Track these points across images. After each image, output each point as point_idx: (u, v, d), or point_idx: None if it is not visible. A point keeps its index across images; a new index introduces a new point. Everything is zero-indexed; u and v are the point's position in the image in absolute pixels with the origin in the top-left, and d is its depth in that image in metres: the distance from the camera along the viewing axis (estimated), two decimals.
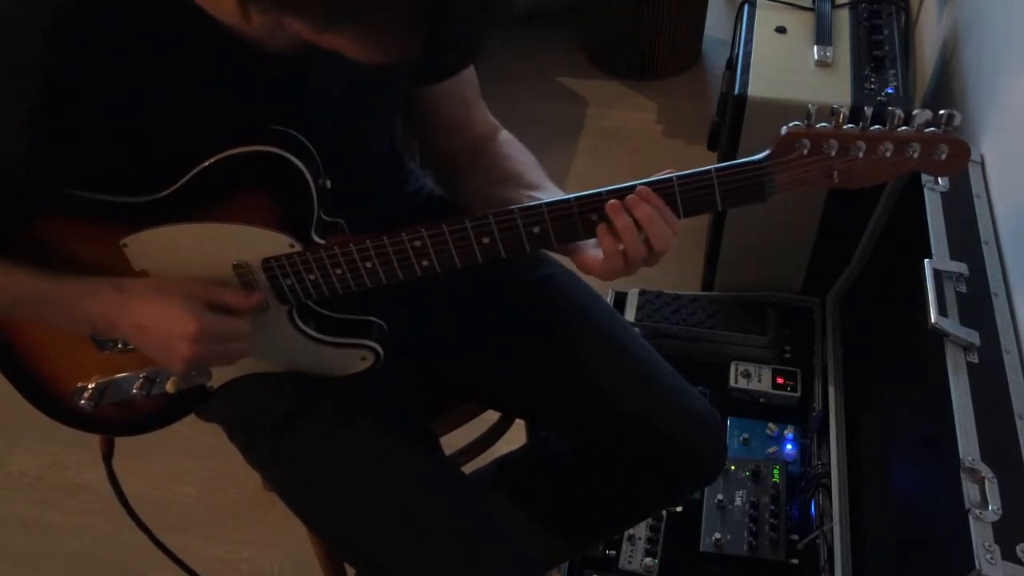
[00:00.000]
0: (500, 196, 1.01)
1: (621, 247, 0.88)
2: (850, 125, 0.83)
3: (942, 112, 0.82)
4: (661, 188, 0.87)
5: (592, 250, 0.92)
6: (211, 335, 0.90)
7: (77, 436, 1.15)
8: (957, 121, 0.82)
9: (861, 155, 0.83)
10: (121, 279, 0.92)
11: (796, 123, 0.84)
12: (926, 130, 0.82)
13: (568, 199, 0.89)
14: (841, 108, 0.83)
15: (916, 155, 0.83)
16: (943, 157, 0.83)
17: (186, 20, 0.80)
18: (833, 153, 0.83)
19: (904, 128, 0.83)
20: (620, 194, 0.87)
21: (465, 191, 1.10)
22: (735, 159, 0.86)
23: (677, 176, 0.86)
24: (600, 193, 0.88)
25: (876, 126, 0.83)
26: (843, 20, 1.71)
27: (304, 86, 0.90)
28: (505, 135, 1.11)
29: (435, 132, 1.09)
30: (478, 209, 0.90)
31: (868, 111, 0.82)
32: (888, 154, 0.83)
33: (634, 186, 0.87)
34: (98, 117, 0.82)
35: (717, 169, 0.86)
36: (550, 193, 0.99)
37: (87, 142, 0.83)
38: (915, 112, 0.83)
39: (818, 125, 0.83)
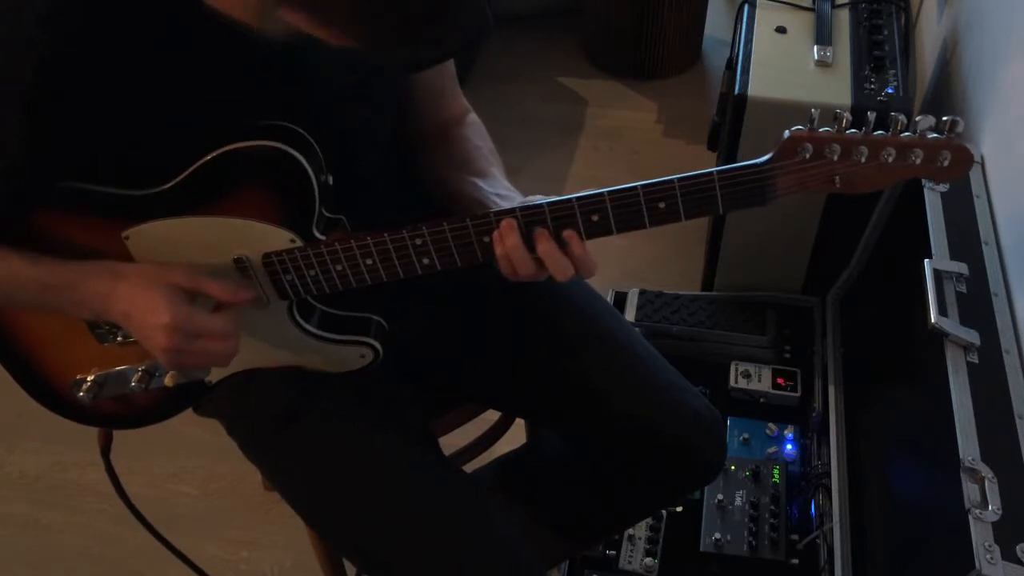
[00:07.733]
0: (451, 179, 1.02)
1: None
2: (852, 130, 0.83)
3: (946, 118, 0.81)
4: (662, 190, 0.86)
5: None
6: (184, 329, 0.87)
7: (77, 436, 1.15)
8: (961, 127, 0.81)
9: (863, 160, 0.82)
10: (116, 263, 0.91)
11: (799, 127, 0.83)
12: (929, 135, 0.82)
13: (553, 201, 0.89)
14: (844, 113, 0.82)
15: (919, 161, 0.82)
16: (946, 163, 0.82)
17: (184, 9, 0.79)
18: (835, 157, 0.83)
19: (907, 133, 0.82)
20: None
21: (424, 172, 1.09)
22: (735, 159, 0.86)
23: (678, 178, 0.86)
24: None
25: (879, 131, 0.82)
26: (843, 20, 1.71)
27: (306, 77, 0.90)
28: (472, 118, 1.10)
29: (404, 114, 1.08)
30: (436, 191, 0.89)
31: (871, 116, 0.82)
32: (890, 159, 0.82)
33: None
34: (95, 106, 0.81)
35: (719, 171, 0.86)
36: (491, 182, 1.00)
37: (85, 131, 0.83)
38: (918, 118, 0.82)
39: (821, 129, 0.83)
